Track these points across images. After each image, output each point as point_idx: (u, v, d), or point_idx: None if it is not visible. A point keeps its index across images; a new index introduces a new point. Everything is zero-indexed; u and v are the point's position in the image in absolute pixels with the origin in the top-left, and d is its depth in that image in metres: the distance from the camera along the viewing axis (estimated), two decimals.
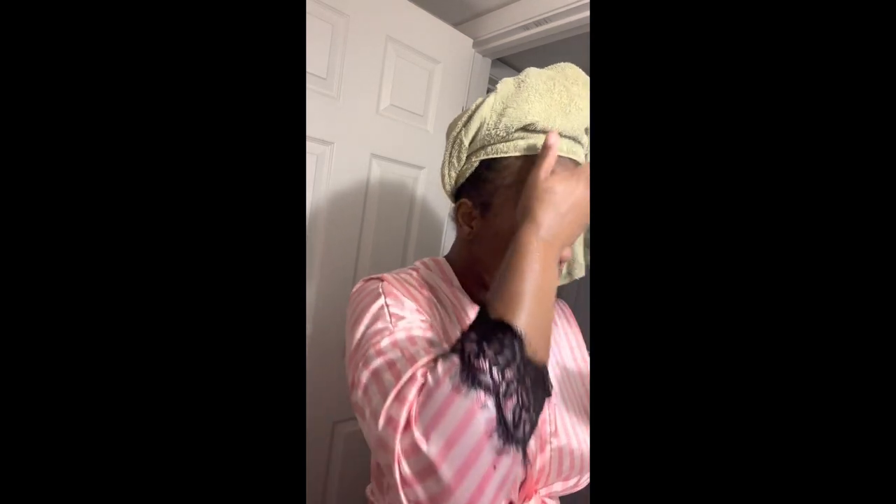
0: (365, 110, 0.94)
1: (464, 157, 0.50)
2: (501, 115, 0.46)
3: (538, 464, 0.47)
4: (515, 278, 0.36)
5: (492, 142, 0.47)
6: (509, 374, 0.32)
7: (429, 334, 0.41)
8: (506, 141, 0.47)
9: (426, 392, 0.32)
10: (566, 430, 0.49)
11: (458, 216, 0.51)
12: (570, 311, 0.67)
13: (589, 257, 0.61)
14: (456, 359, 0.33)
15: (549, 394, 0.35)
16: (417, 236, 1.09)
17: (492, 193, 0.47)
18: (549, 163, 0.42)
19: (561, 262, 0.45)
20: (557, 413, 0.50)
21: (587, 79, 0.49)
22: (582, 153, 0.49)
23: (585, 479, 0.51)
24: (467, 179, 0.51)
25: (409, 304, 0.45)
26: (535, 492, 0.47)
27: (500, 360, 0.32)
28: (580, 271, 0.61)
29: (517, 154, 0.46)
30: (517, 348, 0.33)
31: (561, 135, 0.46)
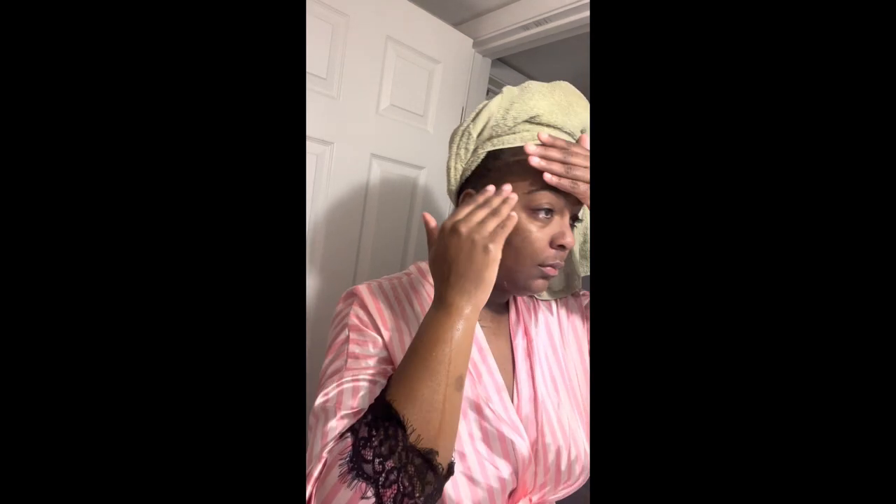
0: (365, 110, 0.94)
1: (471, 148, 0.52)
2: (508, 109, 0.49)
3: (530, 472, 0.46)
4: (410, 358, 0.39)
5: (498, 133, 0.50)
6: (389, 463, 0.34)
7: (375, 384, 0.44)
8: (512, 133, 0.49)
9: (321, 476, 0.36)
10: (563, 436, 0.49)
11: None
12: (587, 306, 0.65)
13: (587, 267, 0.62)
14: (350, 441, 0.36)
15: (445, 474, 0.37)
16: (417, 236, 1.09)
17: (497, 181, 0.49)
18: (431, 238, 0.46)
19: (541, 264, 0.47)
20: (556, 419, 0.49)
21: (580, 94, 0.54)
22: None
23: (579, 484, 0.51)
24: (473, 172, 0.52)
25: (370, 337, 0.47)
26: (525, 495, 0.47)
27: (383, 450, 0.35)
28: (579, 283, 0.62)
29: (521, 145, 0.49)
30: (399, 437, 0.35)
31: (561, 129, 0.50)
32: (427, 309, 0.50)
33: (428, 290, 0.53)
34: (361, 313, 0.49)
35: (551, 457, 0.47)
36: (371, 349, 0.46)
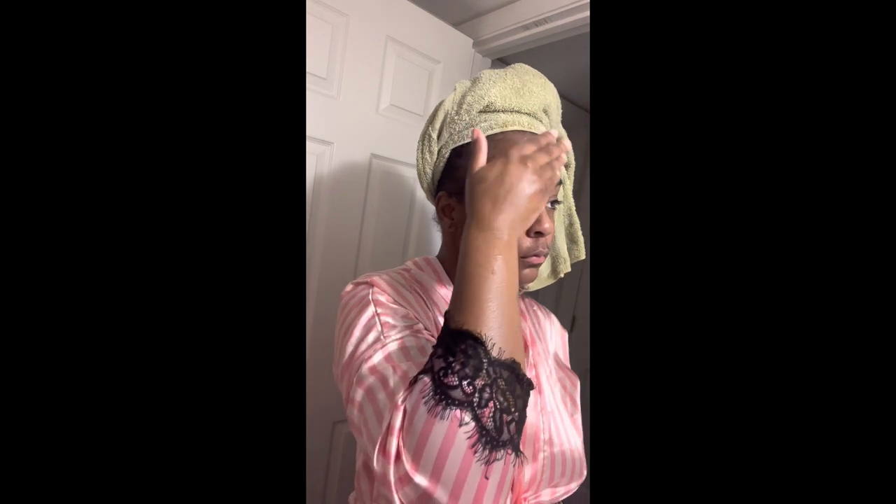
0: (365, 110, 0.94)
1: (435, 150, 0.52)
2: (461, 104, 0.49)
3: (529, 472, 0.46)
4: (466, 281, 0.37)
5: (457, 129, 0.50)
6: (479, 382, 0.32)
7: (421, 341, 0.41)
8: (469, 126, 0.49)
9: (408, 419, 0.32)
10: (560, 436, 0.49)
11: (439, 210, 0.53)
12: (546, 309, 0.66)
13: (577, 252, 0.61)
14: (427, 379, 0.33)
15: (531, 385, 0.35)
16: (417, 236, 1.09)
17: (464, 178, 0.48)
18: (479, 156, 0.43)
19: (524, 255, 0.46)
20: (552, 420, 0.49)
21: (537, 72, 0.53)
22: (542, 128, 0.50)
23: (575, 486, 0.50)
24: (442, 173, 0.52)
25: (400, 311, 0.45)
26: (524, 500, 0.46)
27: (468, 370, 0.32)
28: (566, 267, 0.61)
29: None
30: (482, 354, 0.33)
31: (518, 111, 0.49)
32: (438, 301, 0.50)
33: (432, 284, 0.53)
34: (382, 297, 0.46)
35: (557, 465, 0.47)
36: (402, 320, 0.44)
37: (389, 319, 0.43)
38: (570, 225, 0.60)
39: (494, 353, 0.33)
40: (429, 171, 0.53)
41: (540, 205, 0.40)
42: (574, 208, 0.60)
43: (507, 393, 0.33)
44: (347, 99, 0.91)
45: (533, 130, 0.49)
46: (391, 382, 0.37)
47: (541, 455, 0.47)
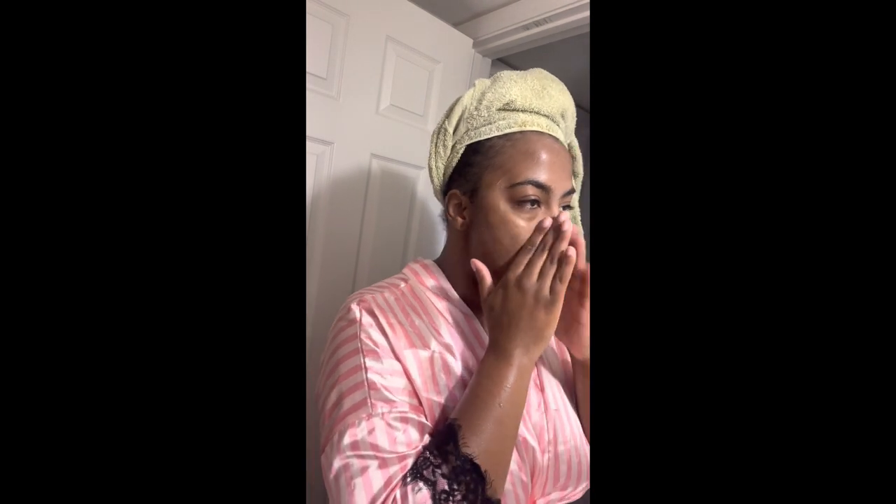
0: (365, 110, 0.94)
1: (449, 145, 0.51)
2: (480, 100, 0.49)
3: (536, 472, 0.46)
4: (472, 405, 0.40)
5: (474, 126, 0.49)
6: None
7: (411, 415, 0.41)
8: (488, 123, 0.48)
9: None
10: (565, 434, 0.48)
11: (450, 209, 0.52)
12: None
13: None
14: (427, 495, 0.35)
15: None
16: (417, 236, 1.09)
17: (479, 176, 0.48)
18: (483, 283, 0.45)
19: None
20: (558, 419, 0.49)
21: (556, 78, 0.52)
22: (559, 132, 0.50)
23: (583, 487, 0.50)
24: (455, 170, 0.51)
25: (388, 363, 0.43)
26: (534, 502, 0.46)
27: (458, 496, 0.36)
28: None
29: (499, 134, 0.48)
30: (479, 491, 0.36)
31: (537, 112, 0.48)
32: (434, 319, 0.49)
33: (430, 298, 0.51)
34: (375, 334, 0.44)
35: (562, 465, 0.47)
36: (392, 380, 0.42)
37: (377, 379, 0.42)
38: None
39: (488, 493, 0.37)
40: (441, 165, 0.52)
41: (551, 317, 0.41)
42: (579, 217, 0.59)
43: None
44: (347, 99, 0.91)
45: (551, 133, 0.48)
46: (370, 474, 0.37)
47: (546, 456, 0.46)
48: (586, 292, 0.45)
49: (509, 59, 1.33)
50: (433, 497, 0.35)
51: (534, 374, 0.51)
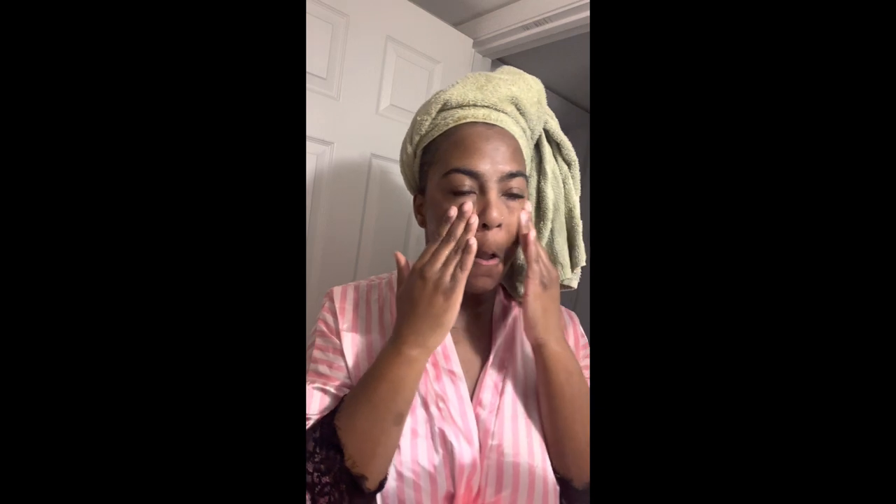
0: (365, 110, 0.94)
1: (410, 153, 0.54)
2: (427, 108, 0.51)
3: (475, 479, 0.44)
4: (358, 386, 0.44)
5: (422, 132, 0.52)
6: (326, 479, 0.41)
7: (329, 388, 0.48)
8: (433, 126, 0.51)
9: None
10: (512, 442, 0.46)
11: (415, 212, 0.56)
12: (576, 318, 0.62)
13: (578, 258, 0.58)
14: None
15: (373, 492, 0.42)
16: (417, 236, 1.09)
17: (427, 175, 0.51)
18: (401, 277, 0.47)
19: None
20: (506, 425, 0.47)
21: (521, 71, 0.53)
22: (506, 118, 0.49)
23: (541, 501, 0.46)
24: (418, 176, 0.54)
25: (333, 346, 0.50)
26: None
27: (322, 466, 0.41)
28: (565, 273, 0.58)
29: (440, 133, 0.50)
30: (337, 460, 0.41)
31: (476, 105, 0.48)
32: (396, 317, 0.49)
33: None
34: (328, 317, 0.52)
35: (505, 475, 0.45)
36: (331, 356, 0.50)
37: (319, 354, 0.50)
38: (572, 228, 0.58)
39: (347, 464, 0.41)
40: (408, 172, 0.57)
41: (449, 303, 0.42)
42: (577, 210, 0.58)
43: (345, 495, 0.41)
44: (347, 99, 0.91)
45: (488, 121, 0.48)
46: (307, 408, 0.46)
47: (484, 460, 0.44)
48: (533, 268, 0.46)
49: (509, 59, 1.33)
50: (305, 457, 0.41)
51: (495, 375, 0.50)
